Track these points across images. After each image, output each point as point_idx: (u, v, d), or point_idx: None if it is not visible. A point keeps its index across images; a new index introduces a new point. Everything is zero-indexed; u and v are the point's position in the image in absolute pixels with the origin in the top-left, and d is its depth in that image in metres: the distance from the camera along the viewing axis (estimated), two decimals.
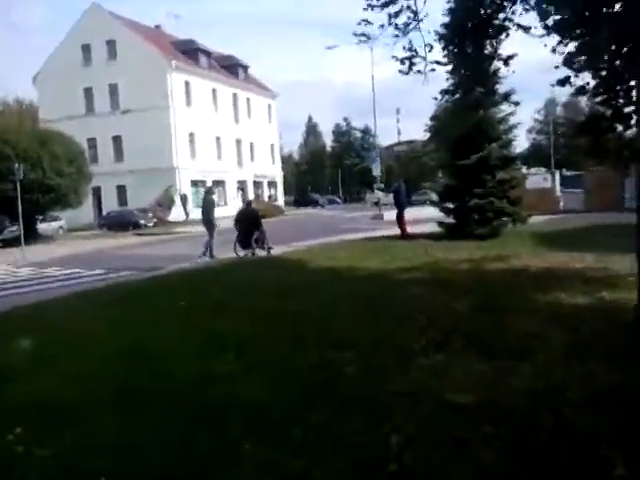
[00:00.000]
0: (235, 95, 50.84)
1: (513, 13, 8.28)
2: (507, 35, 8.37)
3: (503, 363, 4.82)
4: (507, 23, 8.31)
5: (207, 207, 16.71)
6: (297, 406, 4.13)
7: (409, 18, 7.38)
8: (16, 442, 3.69)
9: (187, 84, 44.32)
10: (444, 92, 8.76)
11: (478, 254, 11.93)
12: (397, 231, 17.88)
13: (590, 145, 7.17)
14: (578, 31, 7.39)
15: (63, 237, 31.85)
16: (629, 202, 23.63)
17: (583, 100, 75.17)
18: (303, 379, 4.70)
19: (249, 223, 15.30)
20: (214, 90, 47.69)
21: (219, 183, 47.89)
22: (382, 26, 7.55)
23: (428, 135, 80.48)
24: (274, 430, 3.76)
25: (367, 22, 7.68)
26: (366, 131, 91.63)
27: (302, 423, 3.80)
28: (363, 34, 7.74)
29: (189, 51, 46.62)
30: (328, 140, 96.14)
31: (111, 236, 30.76)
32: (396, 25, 7.41)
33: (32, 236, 25.73)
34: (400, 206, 18.38)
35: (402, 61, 7.70)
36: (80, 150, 31.79)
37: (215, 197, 17.57)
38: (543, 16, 8.14)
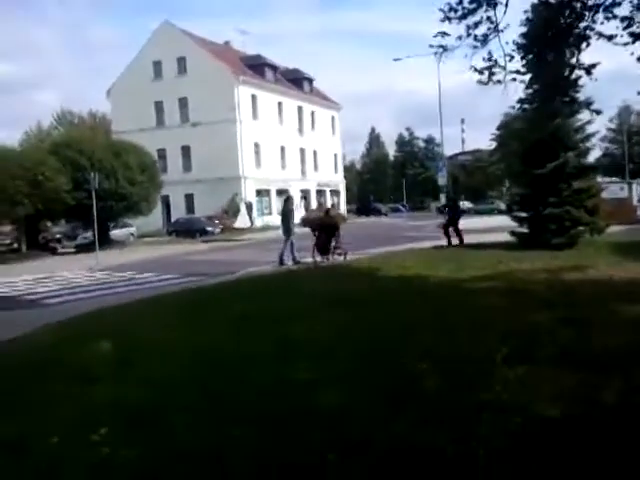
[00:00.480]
0: (300, 108, 51.46)
1: (594, 22, 8.06)
2: (588, 44, 8.15)
3: (592, 376, 4.62)
4: (588, 32, 8.11)
5: (286, 216, 17.02)
6: (378, 417, 4.04)
7: (489, 29, 7.28)
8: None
9: (254, 97, 45.19)
10: (521, 101, 8.60)
11: (554, 264, 11.54)
12: (466, 240, 17.58)
13: None
14: None
15: (134, 243, 32.95)
16: None
17: None
18: (383, 390, 4.60)
19: (328, 230, 15.55)
20: (280, 103, 48.43)
21: (283, 192, 48.50)
22: (460, 37, 7.49)
23: (494, 145, 79.44)
24: (357, 440, 3.66)
25: (444, 34, 7.63)
26: (429, 140, 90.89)
27: (385, 433, 3.72)
28: (440, 46, 7.69)
29: (256, 65, 47.56)
30: (391, 150, 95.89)
31: (180, 242, 31.59)
32: (475, 36, 7.32)
33: (105, 242, 26.71)
34: (455, 218, 18.36)
35: (481, 71, 7.61)
36: (152, 160, 32.86)
37: (294, 206, 17.89)
38: (628, 24, 7.90)
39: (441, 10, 7.73)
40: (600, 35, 8.00)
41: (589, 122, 14.92)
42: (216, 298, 9.87)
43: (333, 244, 15.48)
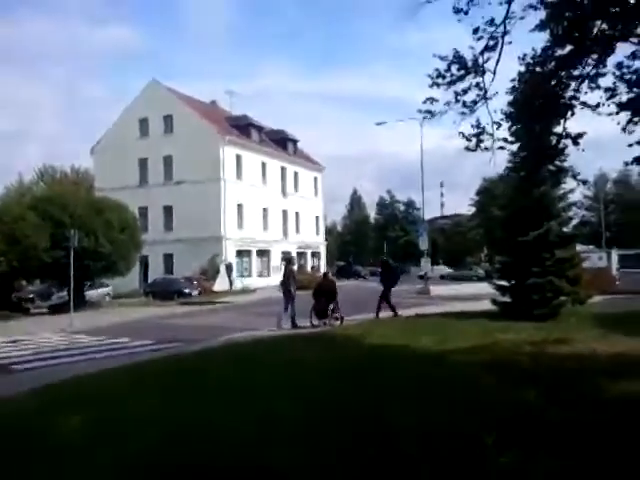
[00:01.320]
0: (284, 169, 52.00)
1: (578, 91, 8.20)
2: (573, 113, 8.26)
3: (578, 463, 4.33)
4: (573, 101, 8.22)
5: (287, 277, 16.94)
6: None
7: (477, 96, 7.32)
8: None
9: (238, 157, 45.61)
10: (509, 168, 8.61)
11: (539, 336, 11.33)
12: (447, 308, 17.30)
13: None
14: None
15: (109, 304, 32.24)
16: None
17: (634, 176, 74.52)
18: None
19: (327, 294, 15.88)
20: (264, 163, 48.91)
21: (264, 253, 48.34)
22: (448, 103, 7.53)
23: (473, 210, 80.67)
24: None
25: (432, 99, 7.67)
26: (409, 204, 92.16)
27: None
28: (428, 111, 7.71)
29: (242, 126, 48.22)
30: (371, 212, 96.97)
31: (156, 304, 30.88)
32: (464, 103, 7.36)
33: (80, 303, 25.94)
34: (390, 284, 17.60)
35: (468, 138, 7.61)
36: (133, 218, 32.50)
37: (295, 267, 17.89)
38: (611, 95, 8.03)
39: (429, 76, 7.80)
40: (585, 105, 8.11)
41: (571, 191, 15.10)
42: (195, 369, 9.42)
43: (331, 307, 15.71)
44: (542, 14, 7.93)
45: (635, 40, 7.27)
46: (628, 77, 7.86)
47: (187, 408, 6.49)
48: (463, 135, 7.49)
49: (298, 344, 11.90)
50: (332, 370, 8.42)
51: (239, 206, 45.20)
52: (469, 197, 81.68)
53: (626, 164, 6.81)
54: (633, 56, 7.58)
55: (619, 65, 7.92)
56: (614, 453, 4.55)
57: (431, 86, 7.70)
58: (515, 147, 8.34)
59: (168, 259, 43.93)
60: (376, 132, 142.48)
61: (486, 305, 16.86)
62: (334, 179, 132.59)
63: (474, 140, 7.48)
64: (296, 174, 54.02)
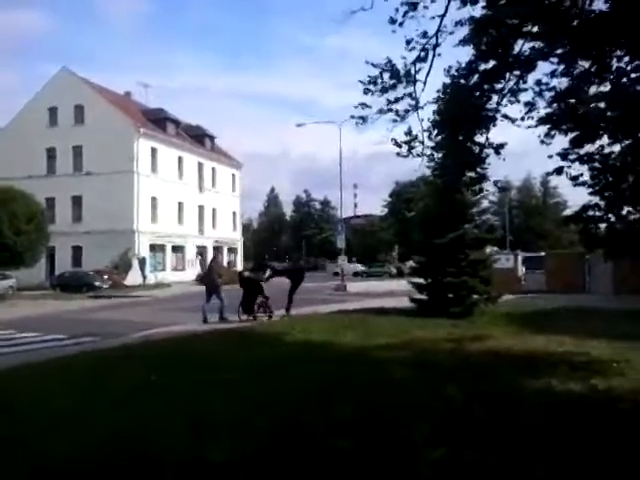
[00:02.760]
0: (201, 164, 51.26)
1: (500, 104, 8.65)
2: (494, 125, 8.71)
3: (505, 458, 4.60)
4: (495, 114, 8.68)
5: (211, 270, 17.23)
6: None
7: (409, 105, 7.60)
8: None
9: (154, 151, 44.52)
10: (434, 175, 9.00)
11: (456, 333, 11.88)
12: (365, 304, 17.67)
13: (581, 233, 7.37)
14: (567, 125, 7.73)
15: (13, 297, 30.53)
16: (592, 286, 24.46)
17: (536, 184, 78.96)
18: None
19: (253, 289, 15.92)
20: (180, 158, 48.03)
21: (179, 248, 47.42)
22: (381, 111, 7.75)
23: (386, 210, 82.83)
24: None
25: (365, 105, 7.87)
26: (325, 203, 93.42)
27: None
28: (361, 117, 7.90)
29: (157, 119, 47.18)
30: (288, 210, 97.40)
31: (65, 297, 29.64)
32: (396, 111, 7.61)
33: None
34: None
35: (399, 145, 7.88)
36: (40, 209, 31.18)
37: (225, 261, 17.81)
38: (530, 109, 8.55)
39: (361, 82, 8.00)
40: (506, 117, 8.55)
41: (484, 197, 15.93)
42: (109, 366, 9.12)
43: (258, 302, 15.78)
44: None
45: (555, 60, 7.78)
46: (546, 94, 8.36)
47: (105, 412, 6.14)
48: (395, 142, 7.75)
49: (219, 340, 11.82)
50: (254, 366, 8.40)
51: (153, 200, 44.15)
52: (381, 198, 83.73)
53: (547, 174, 7.29)
54: (552, 74, 8.07)
55: (538, 82, 8.39)
56: (538, 448, 4.86)
57: (365, 92, 7.90)
58: (441, 154, 8.66)
59: (77, 251, 42.25)
60: (293, 132, 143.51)
61: (403, 302, 17.42)
62: (250, 176, 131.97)
63: (405, 147, 7.77)
64: (214, 170, 53.40)
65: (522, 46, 8.23)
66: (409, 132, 7.71)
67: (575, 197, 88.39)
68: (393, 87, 7.71)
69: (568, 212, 72.16)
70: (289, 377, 7.68)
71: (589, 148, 7.06)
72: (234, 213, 57.56)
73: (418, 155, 7.85)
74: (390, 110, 7.65)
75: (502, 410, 5.93)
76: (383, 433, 5.21)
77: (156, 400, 6.52)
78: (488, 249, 17.81)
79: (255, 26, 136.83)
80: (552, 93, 8.08)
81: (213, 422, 5.60)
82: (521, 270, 27.41)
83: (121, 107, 44.88)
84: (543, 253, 33.58)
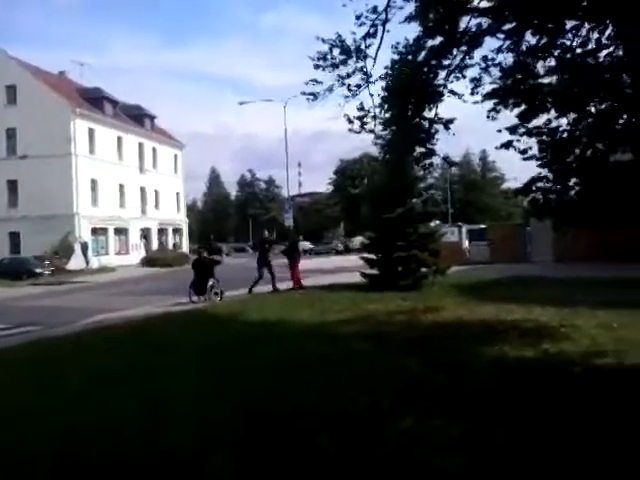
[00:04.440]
0: (141, 144, 49.90)
1: (447, 80, 8.76)
2: (441, 100, 8.83)
3: (469, 424, 4.76)
4: (442, 89, 8.79)
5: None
6: None
7: (362, 80, 7.61)
8: None
9: (91, 131, 43.02)
10: (384, 151, 9.07)
11: (408, 305, 12.13)
12: (317, 281, 17.84)
13: (531, 205, 7.61)
14: (514, 100, 7.92)
15: None
16: (534, 255, 25.35)
17: (475, 158, 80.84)
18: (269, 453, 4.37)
19: (204, 271, 15.90)
20: (119, 138, 46.59)
21: (121, 231, 46.31)
22: (332, 87, 7.74)
23: (331, 188, 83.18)
24: None
25: (316, 81, 7.84)
26: (270, 182, 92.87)
27: None
28: (312, 93, 7.87)
29: (95, 99, 45.45)
30: (232, 190, 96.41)
31: (4, 285, 28.56)
32: (348, 86, 7.61)
33: None
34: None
35: (350, 120, 7.89)
36: None
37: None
38: (476, 85, 8.70)
39: (311, 58, 7.95)
40: (452, 93, 8.67)
41: (430, 172, 16.18)
42: (63, 354, 8.91)
43: (210, 284, 15.70)
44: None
45: (501, 36, 7.92)
46: (492, 69, 8.50)
47: (59, 406, 5.91)
48: (348, 117, 7.76)
49: (176, 323, 11.69)
50: (212, 348, 8.35)
51: (93, 182, 42.84)
52: (325, 176, 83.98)
53: (496, 148, 7.48)
54: (498, 50, 8.22)
55: (484, 58, 8.52)
56: (500, 413, 5.04)
57: (316, 68, 7.87)
58: (391, 130, 8.74)
59: (14, 237, 40.67)
60: (234, 111, 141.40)
61: (353, 277, 17.64)
62: (193, 157, 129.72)
63: (358, 122, 7.80)
64: (154, 150, 52.12)
65: (469, 22, 8.33)
66: (362, 107, 7.73)
67: (512, 171, 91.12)
68: (344, 62, 7.71)
69: (508, 185, 74.25)
70: (248, 358, 7.67)
71: (537, 122, 7.27)
72: (177, 194, 56.46)
73: (371, 131, 7.90)
74: (343, 84, 7.65)
75: (461, 378, 6.12)
76: (349, 407, 5.29)
77: (111, 389, 6.38)
78: (432, 223, 18.14)
79: (193, 2, 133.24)
80: (498, 69, 8.23)
81: (173, 411, 5.53)
82: (465, 242, 28.11)
83: (55, 87, 42.99)
84: (483, 225, 34.56)
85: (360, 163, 76.59)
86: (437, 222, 28.44)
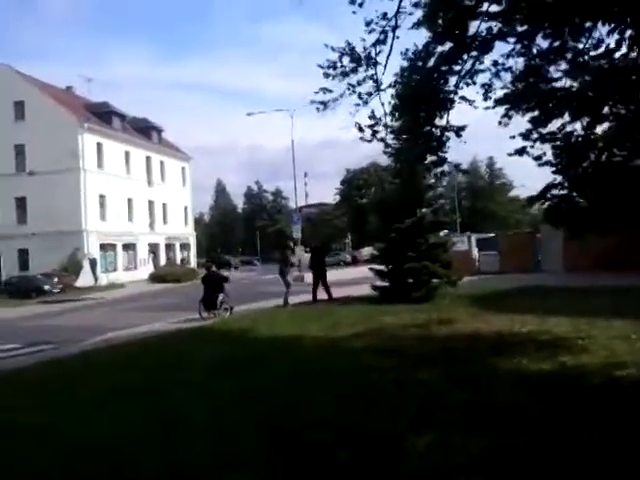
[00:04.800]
0: (148, 158, 49.99)
1: (458, 86, 8.61)
2: (452, 107, 8.67)
3: (494, 440, 4.60)
4: (453, 96, 8.64)
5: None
6: None
7: (373, 88, 7.47)
8: None
9: (99, 146, 43.13)
10: (395, 160, 8.92)
11: (421, 318, 11.90)
12: (322, 295, 17.69)
13: (545, 212, 7.42)
14: (527, 104, 7.75)
15: None
16: (544, 264, 25.00)
17: (482, 167, 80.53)
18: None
19: (214, 286, 15.83)
20: (127, 152, 46.71)
21: (130, 246, 46.31)
22: (342, 95, 7.60)
23: (338, 198, 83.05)
24: None
25: (326, 90, 7.70)
26: (277, 193, 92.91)
27: None
28: (322, 102, 7.73)
29: (102, 113, 45.60)
30: (239, 202, 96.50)
31: (13, 304, 28.54)
32: (359, 94, 7.47)
33: None
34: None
35: (361, 129, 7.74)
36: None
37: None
38: (487, 90, 8.54)
39: (320, 66, 7.82)
40: (463, 99, 8.52)
41: (440, 180, 16.05)
42: (74, 373, 8.79)
43: (220, 299, 15.60)
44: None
45: (512, 40, 7.76)
46: (503, 74, 8.35)
47: (73, 424, 5.90)
48: (359, 126, 7.61)
49: (185, 340, 11.54)
50: (227, 364, 8.25)
51: (101, 197, 42.90)
52: (332, 186, 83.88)
53: (510, 155, 7.29)
54: (509, 55, 8.06)
55: (495, 63, 8.37)
56: (525, 427, 4.85)
57: (325, 77, 7.73)
58: (403, 138, 8.58)
59: (23, 255, 40.70)
60: (239, 123, 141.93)
61: (363, 290, 17.43)
62: (200, 169, 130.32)
63: (369, 131, 7.65)
64: (162, 163, 52.21)
65: (478, 27, 8.18)
66: (373, 115, 7.58)
67: (520, 178, 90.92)
68: (354, 70, 7.57)
69: (517, 192, 73.94)
70: (262, 374, 7.52)
71: (550, 127, 7.09)
72: (185, 208, 56.47)
73: (382, 139, 7.74)
74: (354, 92, 7.50)
75: (482, 392, 5.92)
76: (368, 424, 5.12)
77: (126, 407, 6.26)
78: (441, 232, 17.93)
79: (192, 15, 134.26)
80: (509, 74, 8.08)
81: (191, 427, 5.40)
82: (475, 252, 27.83)
83: (63, 102, 43.20)
84: (492, 234, 34.27)
85: (367, 173, 76.53)
86: (445, 231, 28.22)
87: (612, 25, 5.93)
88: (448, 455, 4.36)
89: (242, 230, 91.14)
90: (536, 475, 3.99)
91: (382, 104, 7.78)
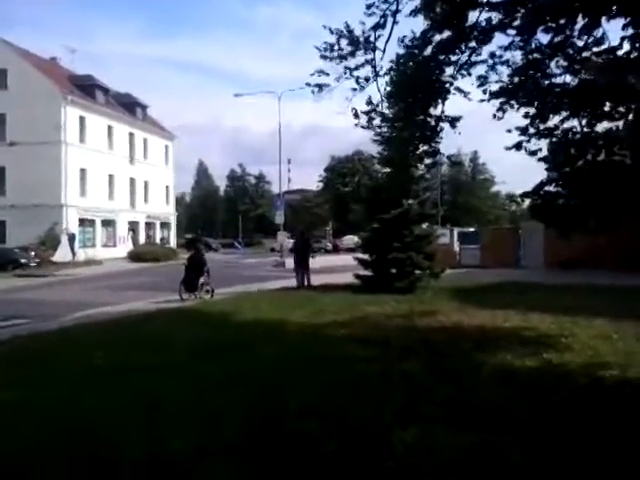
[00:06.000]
0: (132, 134, 49.13)
1: (453, 77, 8.49)
2: (447, 97, 8.55)
3: (480, 436, 4.55)
4: (448, 86, 8.52)
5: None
6: None
7: (371, 72, 7.33)
8: None
9: (82, 119, 42.25)
10: (387, 147, 8.80)
11: (403, 308, 11.89)
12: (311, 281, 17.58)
13: (533, 208, 7.37)
14: (523, 99, 7.66)
15: None
16: (525, 260, 25.19)
17: (466, 160, 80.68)
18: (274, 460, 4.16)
19: (196, 267, 15.73)
20: (110, 127, 45.83)
21: (109, 223, 45.70)
22: (339, 78, 7.45)
23: (321, 185, 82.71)
24: None
25: (323, 73, 7.54)
26: (260, 178, 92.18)
27: None
28: (318, 85, 7.57)
29: (86, 86, 44.57)
30: (222, 184, 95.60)
31: None
32: (357, 78, 7.32)
33: None
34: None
35: (356, 115, 7.60)
36: None
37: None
38: (482, 82, 8.43)
39: (317, 48, 7.66)
40: (458, 90, 8.41)
41: (429, 172, 15.95)
42: (54, 349, 8.59)
43: (201, 281, 15.53)
44: None
45: (512, 32, 7.65)
46: (499, 67, 8.23)
47: (50, 403, 5.73)
48: (355, 112, 7.47)
49: (166, 320, 11.36)
50: (208, 348, 8.09)
51: (82, 171, 42.11)
52: (314, 173, 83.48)
53: (507, 149, 7.22)
54: (507, 48, 7.95)
55: (492, 54, 8.26)
56: (509, 425, 4.81)
57: (323, 59, 7.57)
58: (397, 127, 8.45)
59: (0, 227, 39.84)
60: (225, 104, 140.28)
61: (346, 278, 17.39)
62: (182, 149, 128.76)
63: (365, 117, 7.52)
64: (145, 141, 51.38)
65: (478, 17, 8.06)
66: (370, 102, 7.44)
67: (503, 174, 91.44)
68: (352, 54, 7.41)
69: (498, 187, 74.35)
70: (246, 359, 7.40)
71: (548, 122, 7.01)
72: (167, 187, 55.72)
73: (378, 127, 7.61)
74: (351, 76, 7.35)
75: (467, 388, 5.87)
76: (353, 414, 5.04)
77: (105, 387, 6.11)
78: (423, 225, 17.88)
79: None
80: (505, 67, 7.98)
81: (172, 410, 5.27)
82: (456, 245, 27.93)
83: (47, 72, 42.07)
84: (472, 228, 34.49)
85: (352, 161, 76.27)
86: (426, 224, 28.20)
87: (613, 20, 5.84)
88: (433, 451, 4.29)
89: (224, 212, 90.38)
90: (522, 474, 3.95)
91: (379, 90, 7.64)
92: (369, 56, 7.44)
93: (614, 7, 5.68)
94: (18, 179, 38.93)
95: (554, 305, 11.78)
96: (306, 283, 17.41)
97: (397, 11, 7.48)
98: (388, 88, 8.09)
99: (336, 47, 7.62)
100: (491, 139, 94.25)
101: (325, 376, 6.39)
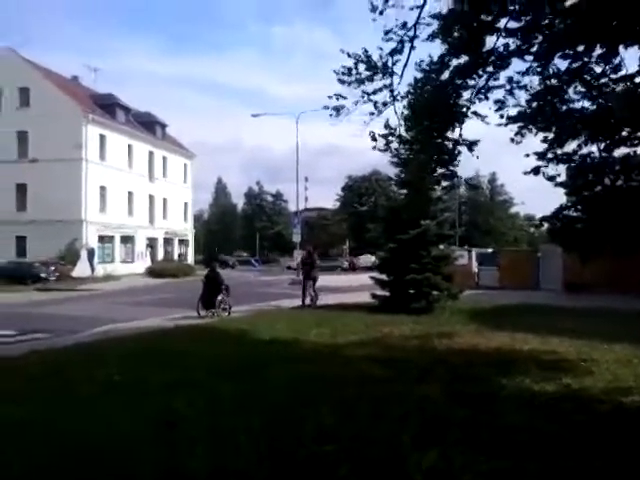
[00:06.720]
0: (151, 153, 49.86)
1: (470, 102, 8.55)
2: (464, 121, 8.61)
3: (499, 462, 4.53)
4: (465, 110, 8.58)
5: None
6: None
7: (389, 97, 7.41)
8: None
9: (102, 138, 42.99)
10: (405, 170, 8.89)
11: (420, 330, 11.86)
12: (324, 300, 17.57)
13: (553, 232, 7.38)
14: (542, 123, 7.70)
15: None
16: (543, 282, 24.98)
17: (484, 182, 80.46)
18: None
19: (214, 285, 15.89)
20: (130, 146, 46.57)
21: (128, 239, 46.18)
22: (356, 103, 7.54)
23: (338, 204, 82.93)
24: None
25: (340, 96, 7.64)
26: (277, 196, 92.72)
27: None
28: (335, 108, 7.67)
29: (107, 105, 45.43)
30: (239, 202, 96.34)
31: (8, 290, 28.34)
32: (375, 103, 7.41)
33: None
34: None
35: (374, 138, 7.68)
36: None
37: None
38: (500, 107, 8.49)
39: (335, 72, 7.77)
40: (476, 114, 8.47)
41: (447, 194, 15.99)
42: (71, 364, 8.69)
43: (219, 298, 15.61)
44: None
45: (530, 58, 7.72)
46: (517, 92, 8.28)
47: (67, 419, 5.82)
48: (373, 135, 7.55)
49: (184, 337, 11.43)
50: (224, 367, 8.13)
51: (102, 189, 42.74)
52: (332, 192, 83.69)
53: (525, 174, 7.26)
54: (525, 73, 8.00)
55: (510, 79, 8.33)
56: (529, 450, 4.78)
57: (340, 83, 7.68)
58: (414, 150, 8.53)
59: (21, 241, 40.41)
60: (243, 123, 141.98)
61: (362, 297, 17.38)
62: (201, 167, 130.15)
63: (383, 141, 7.60)
64: (164, 159, 52.12)
65: (495, 42, 8.13)
66: (388, 125, 7.53)
67: (520, 195, 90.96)
68: (370, 79, 7.51)
69: (517, 209, 73.95)
70: (262, 378, 7.43)
71: (566, 148, 7.05)
72: (185, 204, 56.37)
73: (396, 150, 7.69)
74: (369, 100, 7.44)
75: (485, 411, 5.85)
76: (369, 437, 5.04)
77: (121, 404, 6.17)
78: (441, 245, 17.86)
79: (201, 12, 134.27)
80: (523, 92, 8.03)
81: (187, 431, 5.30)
82: (475, 266, 27.79)
83: (69, 91, 43.02)
84: (490, 249, 34.30)
85: (369, 181, 76.48)
86: (444, 245, 28.07)
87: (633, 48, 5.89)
88: (452, 476, 4.28)
89: (241, 229, 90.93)
90: None
91: (396, 114, 7.72)
92: (387, 81, 7.53)
93: (630, 36, 5.72)
94: (39, 195, 39.60)
95: (573, 329, 11.68)
96: (307, 302, 17.41)
97: (415, 37, 7.58)
98: (406, 111, 8.19)
99: (354, 71, 7.74)
100: (507, 161, 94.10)
101: (342, 397, 6.39)
